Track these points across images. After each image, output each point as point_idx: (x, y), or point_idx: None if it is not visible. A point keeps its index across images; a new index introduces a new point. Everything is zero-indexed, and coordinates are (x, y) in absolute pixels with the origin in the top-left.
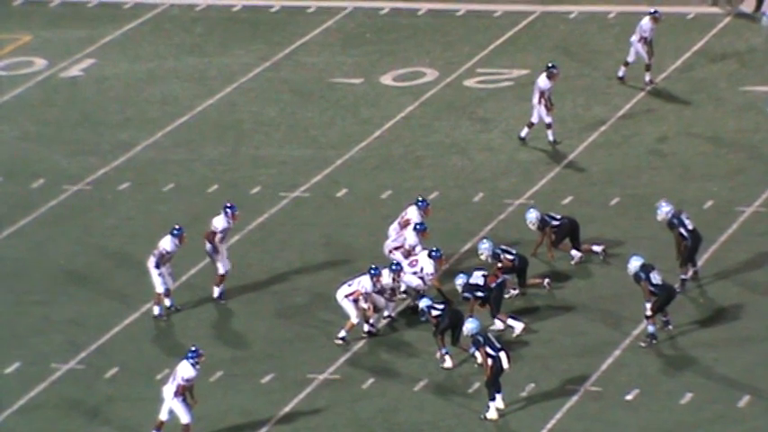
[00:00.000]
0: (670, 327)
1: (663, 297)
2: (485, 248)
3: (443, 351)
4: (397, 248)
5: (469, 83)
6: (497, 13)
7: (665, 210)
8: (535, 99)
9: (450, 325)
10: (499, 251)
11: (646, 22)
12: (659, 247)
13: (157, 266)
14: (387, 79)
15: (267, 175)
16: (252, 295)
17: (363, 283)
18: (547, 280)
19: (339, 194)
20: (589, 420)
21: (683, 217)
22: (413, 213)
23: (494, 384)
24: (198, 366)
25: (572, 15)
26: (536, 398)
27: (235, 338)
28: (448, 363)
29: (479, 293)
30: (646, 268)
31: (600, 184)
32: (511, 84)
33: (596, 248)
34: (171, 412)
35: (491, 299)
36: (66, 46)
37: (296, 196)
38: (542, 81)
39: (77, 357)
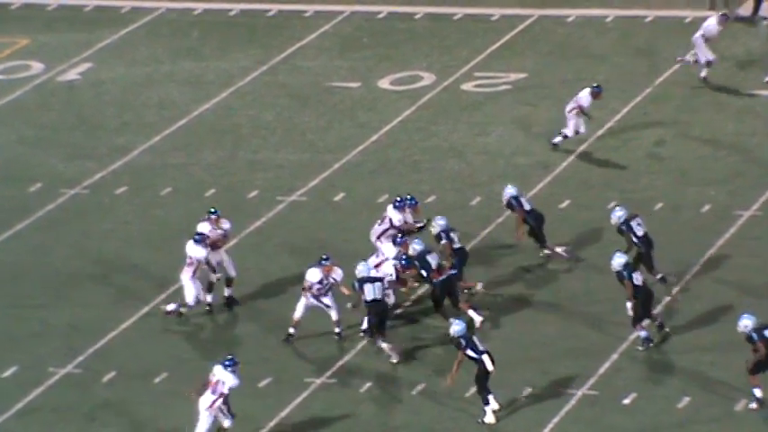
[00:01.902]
0: (666, 329)
1: (641, 299)
2: (440, 225)
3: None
4: (382, 234)
5: (467, 87)
6: (495, 16)
7: (617, 215)
8: (569, 108)
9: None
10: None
11: (712, 23)
12: (657, 251)
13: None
14: (384, 83)
15: (264, 178)
16: (249, 299)
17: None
18: (480, 285)
19: (336, 198)
20: (586, 424)
21: (634, 223)
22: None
23: (483, 389)
24: (237, 373)
25: (569, 19)
26: (533, 402)
27: (231, 342)
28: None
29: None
30: (629, 267)
31: (598, 187)
32: (508, 87)
33: (559, 250)
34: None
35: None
36: (63, 50)
37: (293, 200)
38: (585, 98)
39: (75, 361)
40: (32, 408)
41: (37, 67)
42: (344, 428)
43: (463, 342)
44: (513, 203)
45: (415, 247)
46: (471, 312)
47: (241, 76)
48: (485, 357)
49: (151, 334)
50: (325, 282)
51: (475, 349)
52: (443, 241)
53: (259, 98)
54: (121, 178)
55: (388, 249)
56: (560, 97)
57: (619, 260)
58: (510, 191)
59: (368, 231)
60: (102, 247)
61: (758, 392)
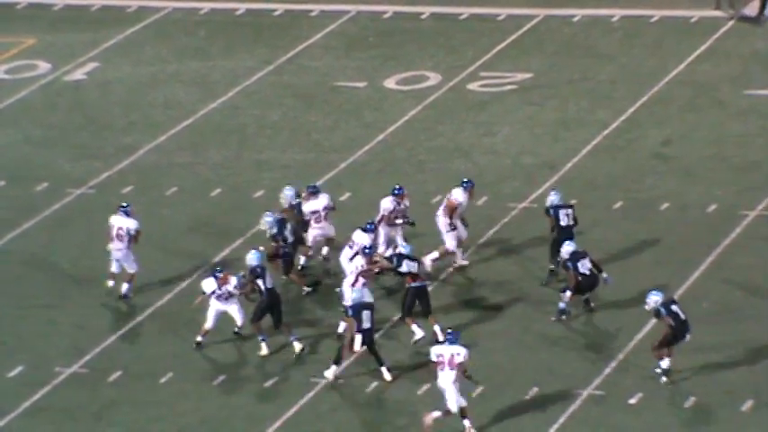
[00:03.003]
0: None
1: (585, 285)
2: (268, 222)
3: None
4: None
5: (473, 86)
6: (501, 16)
7: (566, 249)
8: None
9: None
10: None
11: None
12: (663, 252)
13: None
14: (390, 83)
15: (270, 178)
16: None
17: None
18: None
19: (342, 198)
20: (592, 424)
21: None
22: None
23: (342, 357)
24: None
25: (575, 19)
26: (539, 402)
27: (238, 342)
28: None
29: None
30: (576, 256)
31: (603, 187)
32: (514, 87)
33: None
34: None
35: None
36: (69, 49)
37: (299, 200)
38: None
39: (81, 361)
40: (39, 407)
41: (43, 66)
42: (351, 428)
43: (351, 312)
44: (551, 213)
45: (401, 250)
46: (414, 327)
47: (247, 76)
48: (359, 336)
49: (157, 334)
50: (222, 290)
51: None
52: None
53: (265, 98)
54: (127, 178)
55: (358, 237)
56: (566, 97)
57: (567, 248)
58: (552, 198)
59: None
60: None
61: (664, 364)
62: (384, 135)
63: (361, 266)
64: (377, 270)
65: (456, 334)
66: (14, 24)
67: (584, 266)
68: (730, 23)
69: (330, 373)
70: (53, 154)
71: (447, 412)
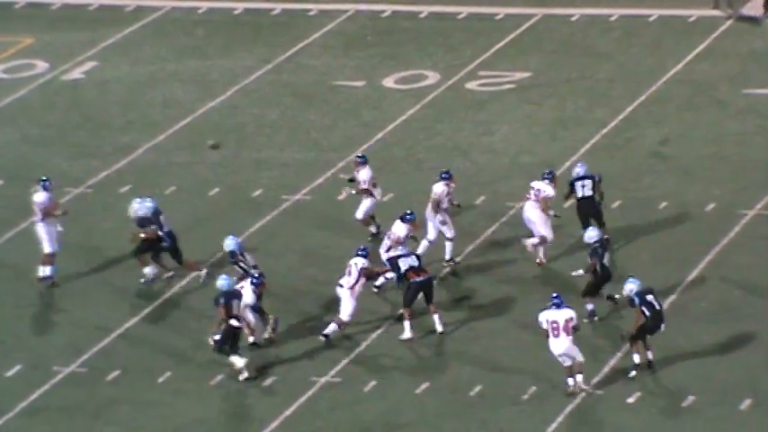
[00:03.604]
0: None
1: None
2: (137, 207)
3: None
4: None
5: (471, 85)
6: (499, 15)
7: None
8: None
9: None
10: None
11: None
12: (661, 251)
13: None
14: (388, 82)
15: (269, 177)
16: None
17: (360, 263)
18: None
19: (341, 197)
20: (591, 423)
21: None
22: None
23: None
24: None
25: (574, 18)
26: (538, 400)
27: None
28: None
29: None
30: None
31: (602, 186)
32: (513, 86)
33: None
34: None
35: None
36: (67, 49)
37: (298, 199)
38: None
39: (79, 360)
40: (37, 407)
41: (41, 66)
42: (349, 427)
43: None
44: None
45: (397, 252)
46: (406, 324)
47: (246, 75)
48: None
49: (155, 332)
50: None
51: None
52: None
53: (263, 97)
54: (126, 177)
55: (397, 228)
56: (565, 96)
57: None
58: (577, 170)
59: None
60: (106, 245)
61: (636, 358)
62: (383, 134)
63: (363, 266)
64: (377, 271)
65: (560, 297)
66: (12, 24)
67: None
68: (729, 23)
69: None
70: (51, 153)
71: (578, 366)
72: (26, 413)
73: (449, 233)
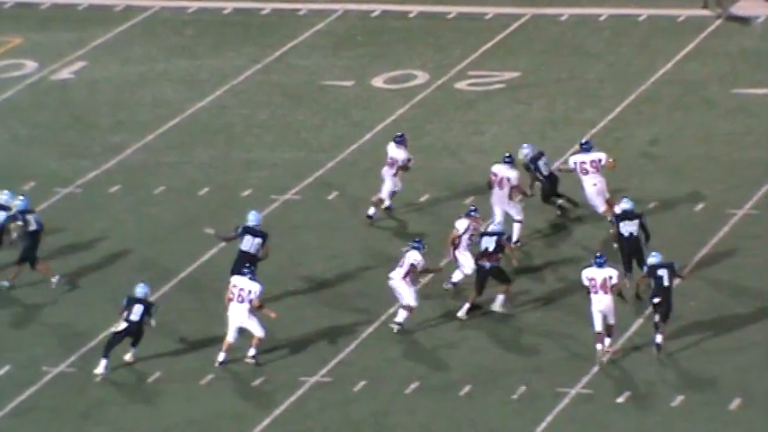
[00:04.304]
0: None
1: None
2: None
3: None
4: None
5: (461, 85)
6: (488, 15)
7: (524, 152)
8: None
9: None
10: None
11: None
12: (651, 250)
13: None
14: (378, 82)
15: (258, 177)
16: None
17: (412, 257)
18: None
19: (330, 197)
20: (580, 423)
21: (541, 162)
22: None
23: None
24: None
25: (563, 18)
26: (527, 400)
27: (223, 341)
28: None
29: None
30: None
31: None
32: (502, 86)
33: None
34: None
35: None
36: (56, 48)
37: (287, 199)
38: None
39: (68, 360)
40: (26, 407)
41: (30, 65)
42: (339, 427)
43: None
44: (531, 169)
45: (493, 227)
46: (500, 297)
47: (235, 75)
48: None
49: (145, 333)
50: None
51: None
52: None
53: (253, 97)
54: (115, 177)
55: (460, 224)
56: (554, 96)
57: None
58: (525, 152)
59: (362, 230)
60: (95, 245)
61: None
62: (372, 134)
63: (414, 261)
64: (429, 269)
65: (603, 256)
66: (1, 23)
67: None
68: (718, 22)
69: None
70: (40, 153)
71: (608, 329)
72: (15, 413)
73: (467, 270)
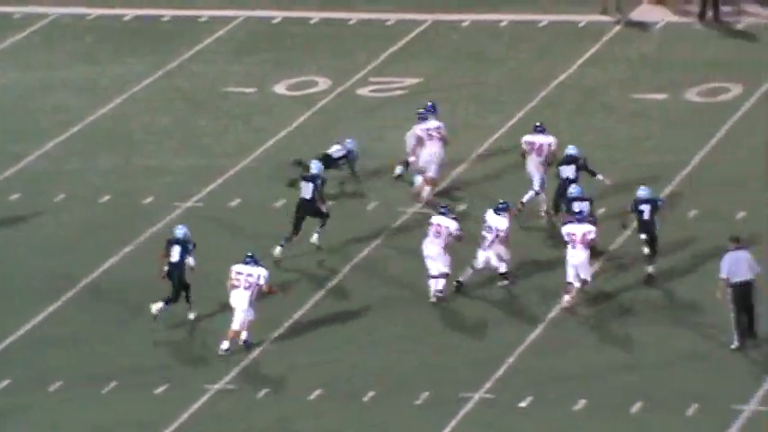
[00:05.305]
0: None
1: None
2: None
3: None
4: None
5: (362, 91)
6: (390, 21)
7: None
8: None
9: None
10: None
11: None
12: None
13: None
14: (280, 88)
15: (161, 184)
16: (144, 305)
17: (451, 226)
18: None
19: (233, 204)
20: (484, 427)
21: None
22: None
23: None
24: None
25: (464, 24)
26: (430, 405)
27: (128, 348)
28: None
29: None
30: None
31: (494, 192)
32: (404, 92)
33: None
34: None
35: None
36: None
37: (189, 206)
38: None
39: None
40: None
41: None
42: None
43: None
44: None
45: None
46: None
47: (136, 82)
48: None
49: (45, 342)
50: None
51: None
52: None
53: (154, 103)
54: (15, 185)
55: (492, 219)
56: (456, 102)
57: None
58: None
59: (264, 236)
60: None
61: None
62: (274, 140)
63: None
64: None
65: (583, 213)
66: None
67: (643, 210)
68: (617, 28)
69: None
70: None
71: (569, 285)
72: None
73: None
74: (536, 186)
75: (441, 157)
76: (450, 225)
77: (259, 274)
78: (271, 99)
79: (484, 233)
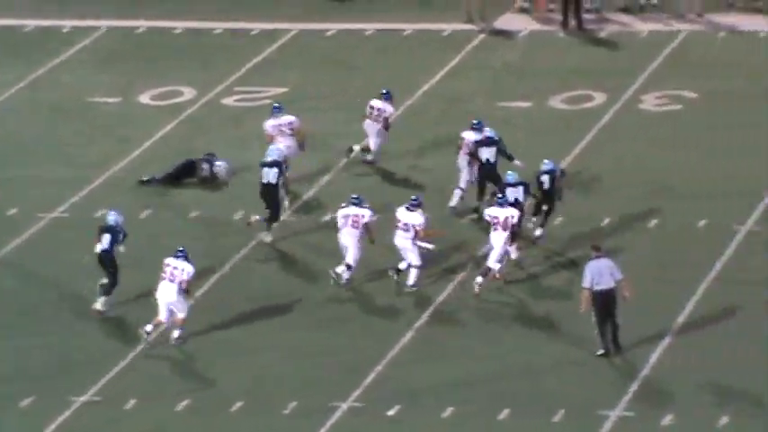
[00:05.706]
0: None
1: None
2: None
3: None
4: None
5: (227, 101)
6: (255, 31)
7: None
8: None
9: None
10: None
11: None
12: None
13: None
14: (144, 98)
15: (25, 195)
16: (9, 317)
17: (366, 215)
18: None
19: (98, 214)
20: None
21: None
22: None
23: None
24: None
25: (329, 33)
26: (298, 415)
27: (5, 358)
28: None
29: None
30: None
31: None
32: (269, 101)
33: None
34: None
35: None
36: None
37: (54, 217)
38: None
39: None
40: None
41: None
42: None
43: None
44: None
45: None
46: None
47: (0, 92)
48: None
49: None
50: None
51: None
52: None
53: (19, 113)
54: None
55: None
56: (322, 110)
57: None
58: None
59: (132, 246)
60: None
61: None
62: (140, 150)
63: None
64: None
65: (505, 198)
66: None
67: (543, 181)
68: (481, 36)
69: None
70: None
71: (487, 270)
72: None
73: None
74: (462, 184)
75: (295, 152)
76: (365, 213)
77: (183, 268)
78: (135, 109)
79: (399, 231)
